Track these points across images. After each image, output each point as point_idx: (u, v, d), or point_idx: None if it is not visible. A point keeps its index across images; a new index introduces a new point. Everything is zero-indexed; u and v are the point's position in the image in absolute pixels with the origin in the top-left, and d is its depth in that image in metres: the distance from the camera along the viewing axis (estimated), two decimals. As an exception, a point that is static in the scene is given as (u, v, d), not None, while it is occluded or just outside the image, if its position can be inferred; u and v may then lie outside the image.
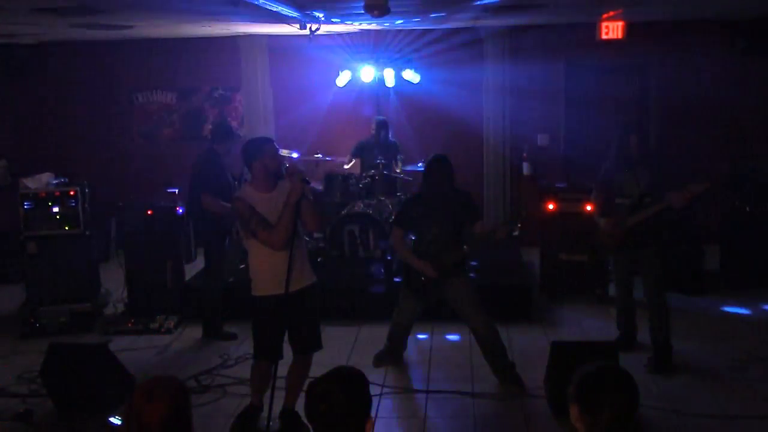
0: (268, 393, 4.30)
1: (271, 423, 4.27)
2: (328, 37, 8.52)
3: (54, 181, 6.74)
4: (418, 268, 5.09)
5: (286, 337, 4.52)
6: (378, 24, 7.80)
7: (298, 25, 6.93)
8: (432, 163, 5.15)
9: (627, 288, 5.61)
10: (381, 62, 8.71)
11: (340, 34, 8.62)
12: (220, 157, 6.14)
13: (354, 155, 8.15)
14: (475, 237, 5.10)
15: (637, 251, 5.39)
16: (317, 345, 4.57)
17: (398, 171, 7.96)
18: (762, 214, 7.40)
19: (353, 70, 8.70)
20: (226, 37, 9.01)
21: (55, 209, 6.52)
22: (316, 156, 8.23)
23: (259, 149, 4.36)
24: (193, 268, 7.77)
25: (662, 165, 5.31)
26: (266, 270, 4.34)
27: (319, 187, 8.05)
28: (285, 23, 7.07)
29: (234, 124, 9.38)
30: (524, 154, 8.97)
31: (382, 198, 7.48)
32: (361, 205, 7.25)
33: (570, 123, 9.10)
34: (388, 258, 6.97)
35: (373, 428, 2.25)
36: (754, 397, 4.94)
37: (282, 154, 4.58)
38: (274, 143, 4.51)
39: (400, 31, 8.77)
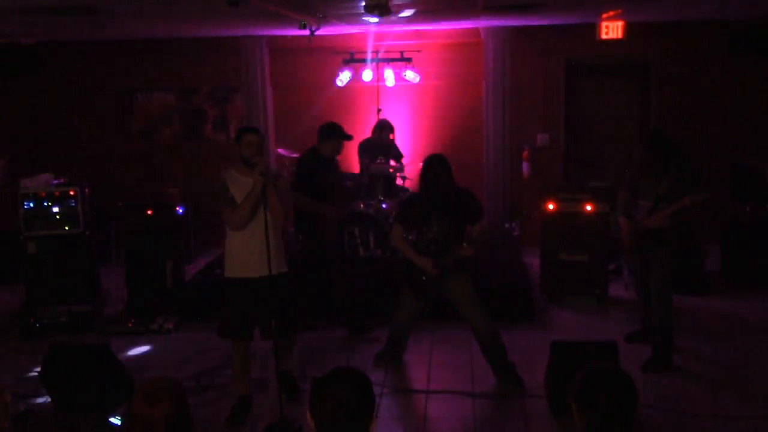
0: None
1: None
2: (328, 37, 8.52)
3: (54, 181, 6.74)
4: (419, 264, 5.09)
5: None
6: (378, 24, 7.80)
7: (298, 25, 6.92)
8: (429, 162, 5.14)
9: (645, 287, 5.61)
10: (381, 62, 8.71)
11: (340, 34, 8.62)
12: (322, 156, 6.05)
13: (361, 156, 8.13)
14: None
15: (650, 252, 5.40)
16: (288, 330, 4.79)
17: (400, 175, 7.97)
18: (762, 214, 7.40)
19: (353, 70, 8.71)
20: (226, 37, 9.01)
21: (55, 209, 6.52)
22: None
23: (237, 137, 4.69)
24: (193, 268, 7.78)
25: (686, 173, 5.30)
26: (238, 253, 4.64)
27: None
28: (285, 23, 7.07)
29: (234, 124, 9.41)
30: (524, 154, 8.97)
31: (382, 198, 7.48)
32: (361, 205, 7.25)
33: (570, 123, 9.10)
34: (389, 258, 6.97)
35: (376, 428, 2.26)
36: (754, 397, 4.95)
37: (253, 144, 4.61)
38: (254, 133, 4.70)
39: (401, 31, 8.77)
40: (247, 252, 4.58)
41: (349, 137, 6.29)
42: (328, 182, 6.08)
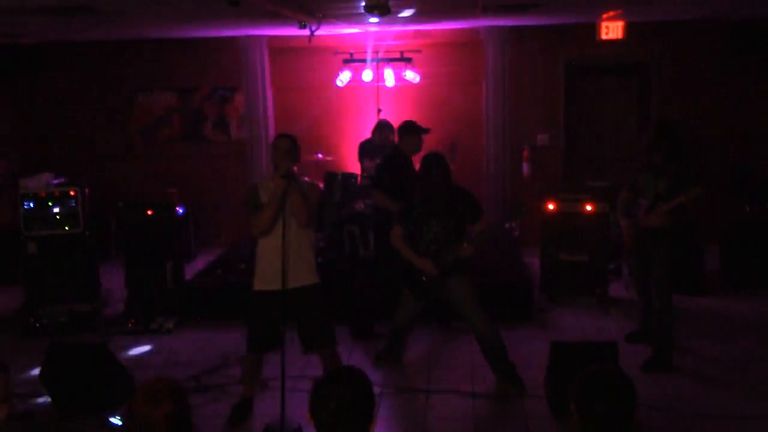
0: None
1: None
2: (328, 37, 8.53)
3: (54, 181, 6.74)
4: (418, 265, 5.09)
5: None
6: (378, 24, 7.80)
7: (297, 25, 6.93)
8: (426, 160, 5.14)
9: (645, 287, 5.62)
10: (381, 62, 8.72)
11: (340, 34, 8.62)
12: (404, 154, 5.96)
13: (361, 158, 8.13)
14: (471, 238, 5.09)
15: (651, 251, 5.41)
16: (325, 341, 4.64)
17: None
18: (762, 214, 7.40)
19: (353, 70, 8.71)
20: (226, 37, 9.01)
21: (55, 209, 6.53)
22: (316, 156, 8.23)
23: (272, 143, 4.56)
24: (193, 268, 7.78)
25: (685, 172, 5.30)
26: (262, 264, 4.53)
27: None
28: (285, 23, 7.07)
29: (234, 124, 9.41)
30: (524, 154, 8.97)
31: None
32: (362, 205, 7.25)
33: (570, 123, 9.10)
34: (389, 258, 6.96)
35: (375, 428, 2.26)
36: (754, 397, 4.95)
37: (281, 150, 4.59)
38: (284, 138, 4.54)
39: (401, 31, 8.78)
40: (272, 263, 4.41)
41: (427, 130, 6.15)
42: (410, 180, 5.85)
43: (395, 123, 8.40)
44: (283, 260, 4.30)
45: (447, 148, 6.52)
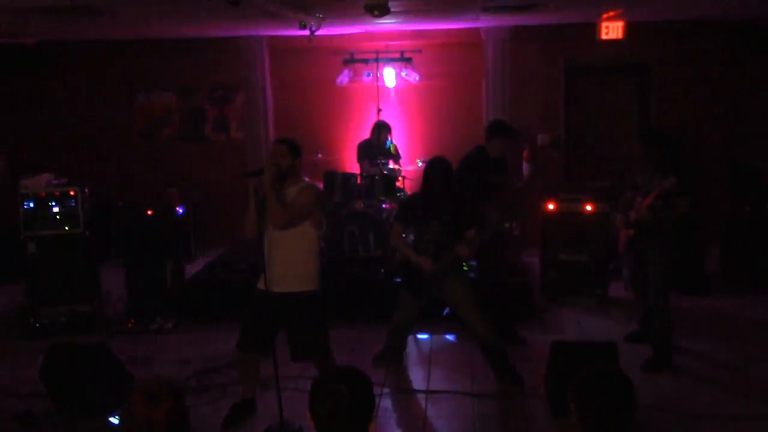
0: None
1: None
2: (328, 37, 8.52)
3: (54, 181, 6.74)
4: (416, 263, 5.09)
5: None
6: (378, 24, 7.80)
7: (298, 25, 6.93)
8: (432, 163, 5.16)
9: (642, 286, 5.61)
10: (381, 62, 8.71)
11: (340, 34, 8.62)
12: (488, 156, 5.76)
13: (360, 158, 8.13)
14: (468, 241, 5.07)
15: (645, 251, 5.40)
16: (315, 354, 4.54)
17: (399, 172, 7.96)
18: (762, 214, 7.40)
19: (353, 70, 8.70)
20: (226, 37, 9.01)
21: (55, 209, 6.52)
22: (316, 156, 8.23)
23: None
24: (193, 268, 7.77)
25: (682, 171, 5.30)
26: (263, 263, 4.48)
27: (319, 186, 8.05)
28: (285, 23, 7.07)
29: (234, 124, 9.41)
30: (524, 154, 8.96)
31: (382, 198, 7.48)
32: (361, 205, 7.25)
33: (570, 123, 9.10)
34: (389, 258, 6.97)
35: (375, 429, 2.26)
36: (754, 397, 4.95)
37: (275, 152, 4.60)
38: (277, 143, 4.71)
39: (401, 30, 8.77)
40: (266, 263, 4.34)
41: (515, 135, 5.92)
42: (490, 183, 5.71)
43: (394, 123, 8.43)
44: (265, 261, 4.28)
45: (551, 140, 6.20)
